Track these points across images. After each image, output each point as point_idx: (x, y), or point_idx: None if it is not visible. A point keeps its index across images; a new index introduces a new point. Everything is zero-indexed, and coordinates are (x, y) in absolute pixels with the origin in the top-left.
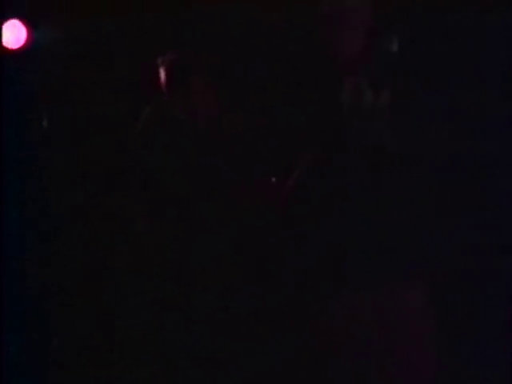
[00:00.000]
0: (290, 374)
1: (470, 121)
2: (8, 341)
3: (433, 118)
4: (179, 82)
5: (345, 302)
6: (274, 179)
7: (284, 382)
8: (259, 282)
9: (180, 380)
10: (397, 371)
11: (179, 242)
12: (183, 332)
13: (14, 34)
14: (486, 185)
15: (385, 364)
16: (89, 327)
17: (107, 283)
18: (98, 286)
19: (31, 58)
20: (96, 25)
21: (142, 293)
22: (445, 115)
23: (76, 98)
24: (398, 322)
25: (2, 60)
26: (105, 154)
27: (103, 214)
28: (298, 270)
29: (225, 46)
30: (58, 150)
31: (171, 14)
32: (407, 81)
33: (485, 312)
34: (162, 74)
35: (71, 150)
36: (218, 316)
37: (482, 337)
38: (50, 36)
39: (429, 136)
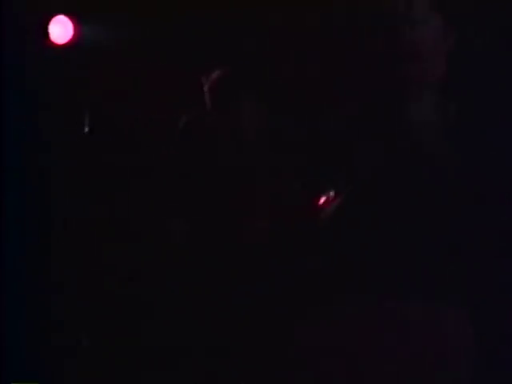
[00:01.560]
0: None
1: None
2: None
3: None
4: (224, 102)
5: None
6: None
7: None
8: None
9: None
10: None
11: (213, 247)
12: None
13: (61, 29)
14: None
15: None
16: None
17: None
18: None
19: (78, 54)
20: (141, 25)
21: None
22: None
23: (119, 95)
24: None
25: (49, 55)
26: (144, 155)
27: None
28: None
29: (269, 59)
30: (98, 149)
31: (221, 22)
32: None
33: None
34: (207, 93)
35: (111, 149)
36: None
37: None
38: (97, 31)
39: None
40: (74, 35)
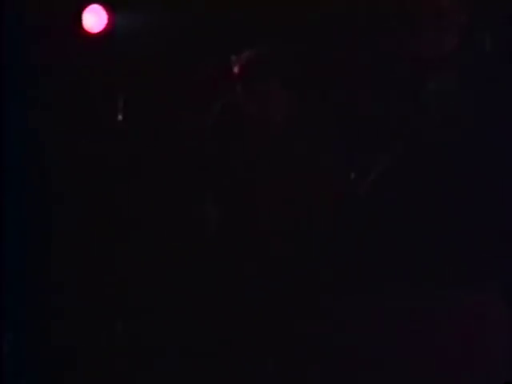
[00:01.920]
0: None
1: None
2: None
3: None
4: (253, 82)
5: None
6: (352, 175)
7: None
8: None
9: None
10: None
11: (244, 240)
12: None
13: (95, 18)
14: None
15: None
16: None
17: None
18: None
19: (112, 43)
20: (175, 13)
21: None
22: None
23: (151, 86)
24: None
25: (83, 44)
26: (175, 146)
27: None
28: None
29: (299, 45)
30: (132, 138)
31: (249, 9)
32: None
33: None
34: (236, 72)
35: (144, 140)
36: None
37: None
38: (131, 21)
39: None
40: (108, 24)
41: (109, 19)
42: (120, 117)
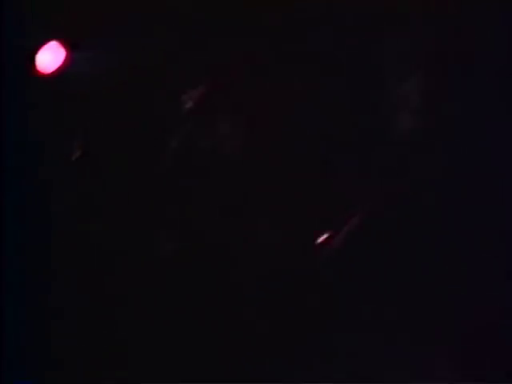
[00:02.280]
0: None
1: None
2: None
3: None
4: (204, 119)
5: None
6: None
7: None
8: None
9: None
10: None
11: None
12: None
13: (53, 56)
14: None
15: None
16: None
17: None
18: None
19: (68, 81)
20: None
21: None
22: None
23: (107, 125)
24: None
25: (38, 82)
26: (133, 183)
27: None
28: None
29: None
30: (88, 178)
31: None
32: None
33: None
34: (188, 110)
35: (101, 179)
36: None
37: None
38: (87, 59)
39: None
40: (65, 62)
41: (67, 57)
42: (76, 156)
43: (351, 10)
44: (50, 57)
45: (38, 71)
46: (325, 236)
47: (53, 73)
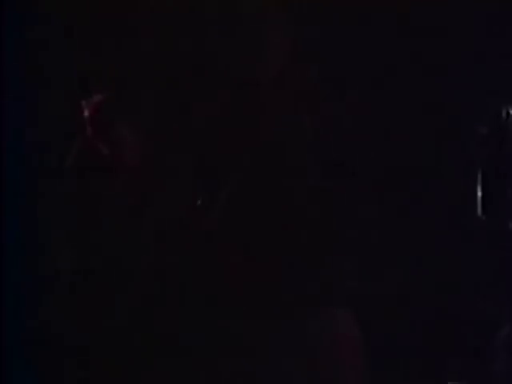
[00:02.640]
0: None
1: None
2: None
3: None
4: (103, 127)
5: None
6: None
7: None
8: None
9: None
10: None
11: None
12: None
13: None
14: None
15: None
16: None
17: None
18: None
19: None
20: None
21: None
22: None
23: None
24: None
25: None
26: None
27: None
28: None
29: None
30: None
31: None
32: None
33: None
34: (87, 116)
35: None
36: None
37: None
38: None
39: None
40: None
41: None
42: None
43: None
44: None
45: None
46: None
47: None
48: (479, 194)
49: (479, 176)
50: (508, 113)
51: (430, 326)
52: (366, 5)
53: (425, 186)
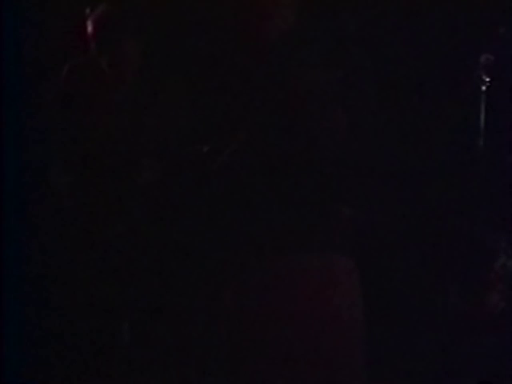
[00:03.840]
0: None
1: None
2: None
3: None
4: (107, 38)
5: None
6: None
7: None
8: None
9: None
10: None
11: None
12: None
13: None
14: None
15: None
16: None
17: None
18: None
19: None
20: None
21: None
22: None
23: None
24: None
25: None
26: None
27: None
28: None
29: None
30: None
31: None
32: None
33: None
34: (90, 28)
35: None
36: None
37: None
38: None
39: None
40: None
41: None
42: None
43: None
44: None
45: None
46: None
47: None
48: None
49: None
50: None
51: (430, 258)
52: None
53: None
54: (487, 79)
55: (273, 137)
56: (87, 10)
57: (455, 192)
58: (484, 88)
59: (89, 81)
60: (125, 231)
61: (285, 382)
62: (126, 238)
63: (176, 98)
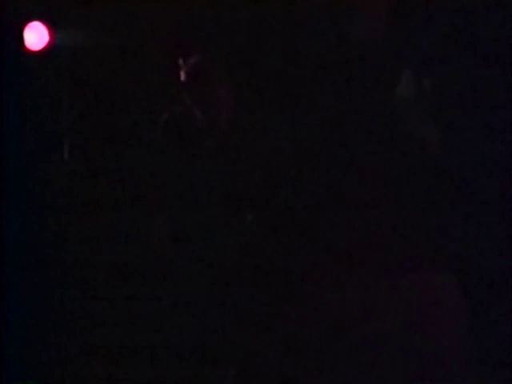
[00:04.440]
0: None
1: None
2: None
3: None
4: (202, 84)
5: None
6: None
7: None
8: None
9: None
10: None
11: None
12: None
13: (36, 35)
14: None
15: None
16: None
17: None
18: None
19: (54, 59)
20: (116, 22)
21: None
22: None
23: (98, 98)
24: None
25: (24, 61)
26: (125, 156)
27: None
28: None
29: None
30: (77, 153)
31: (192, 12)
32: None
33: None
34: (184, 75)
35: (91, 152)
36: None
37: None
38: (72, 36)
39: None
40: (50, 41)
41: (50, 36)
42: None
43: None
44: (34, 36)
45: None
46: None
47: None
48: None
49: None
50: None
51: None
52: None
53: None
54: None
55: (375, 152)
56: (180, 61)
57: None
58: None
59: (185, 129)
60: None
61: None
62: None
63: (271, 135)
